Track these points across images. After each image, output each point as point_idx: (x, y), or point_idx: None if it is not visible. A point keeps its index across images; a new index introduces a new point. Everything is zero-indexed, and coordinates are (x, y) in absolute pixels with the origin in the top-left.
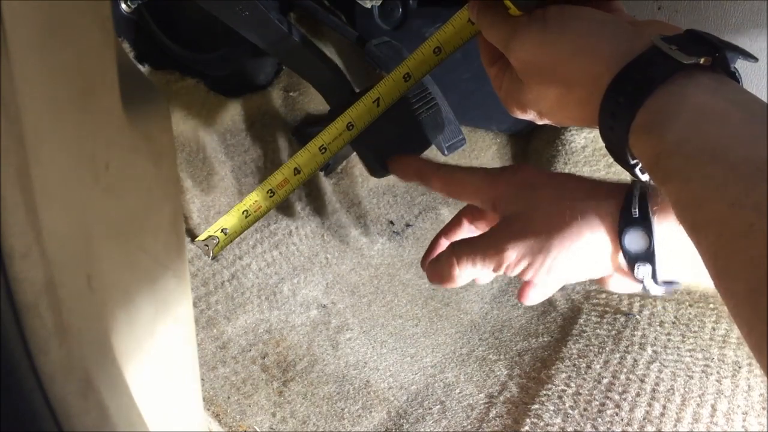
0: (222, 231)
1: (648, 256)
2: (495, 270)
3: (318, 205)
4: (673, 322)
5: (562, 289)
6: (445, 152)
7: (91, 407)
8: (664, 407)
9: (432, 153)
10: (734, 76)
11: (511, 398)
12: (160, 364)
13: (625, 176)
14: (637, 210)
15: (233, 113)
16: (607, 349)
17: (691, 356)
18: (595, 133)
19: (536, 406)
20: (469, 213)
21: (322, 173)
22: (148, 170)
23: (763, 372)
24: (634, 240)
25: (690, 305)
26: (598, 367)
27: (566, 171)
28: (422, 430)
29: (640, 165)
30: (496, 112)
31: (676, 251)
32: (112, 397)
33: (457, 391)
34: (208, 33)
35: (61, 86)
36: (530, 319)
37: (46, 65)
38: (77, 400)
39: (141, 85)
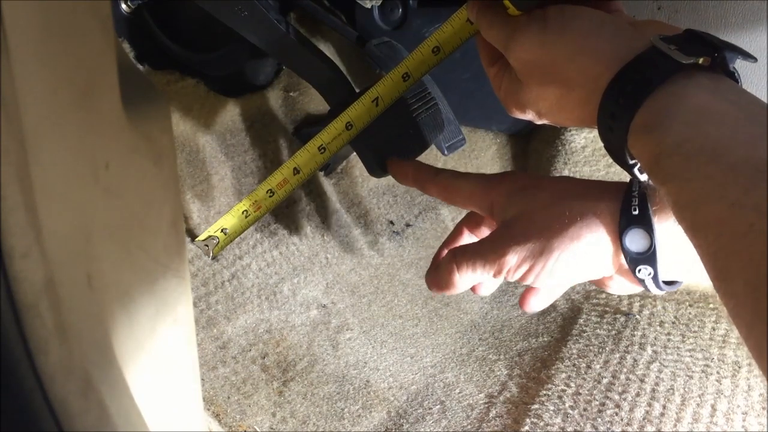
0: (222, 231)
1: (649, 255)
2: (496, 275)
3: (318, 205)
4: (673, 322)
5: None
6: (445, 152)
7: (92, 407)
8: (664, 407)
9: (432, 153)
10: (733, 76)
11: (511, 398)
12: (160, 364)
13: (624, 176)
14: (637, 209)
15: (233, 113)
16: (607, 349)
17: (691, 356)
18: (595, 133)
19: (536, 406)
20: (470, 222)
21: (321, 173)
22: (148, 170)
23: (763, 372)
24: (634, 240)
25: (690, 305)
26: (598, 367)
27: (566, 171)
28: (422, 430)
29: (638, 165)
30: (496, 112)
31: (677, 251)
32: (113, 397)
33: (457, 391)
34: (208, 33)
35: (62, 86)
36: (530, 319)
37: (46, 65)
38: (77, 400)
39: (141, 85)
